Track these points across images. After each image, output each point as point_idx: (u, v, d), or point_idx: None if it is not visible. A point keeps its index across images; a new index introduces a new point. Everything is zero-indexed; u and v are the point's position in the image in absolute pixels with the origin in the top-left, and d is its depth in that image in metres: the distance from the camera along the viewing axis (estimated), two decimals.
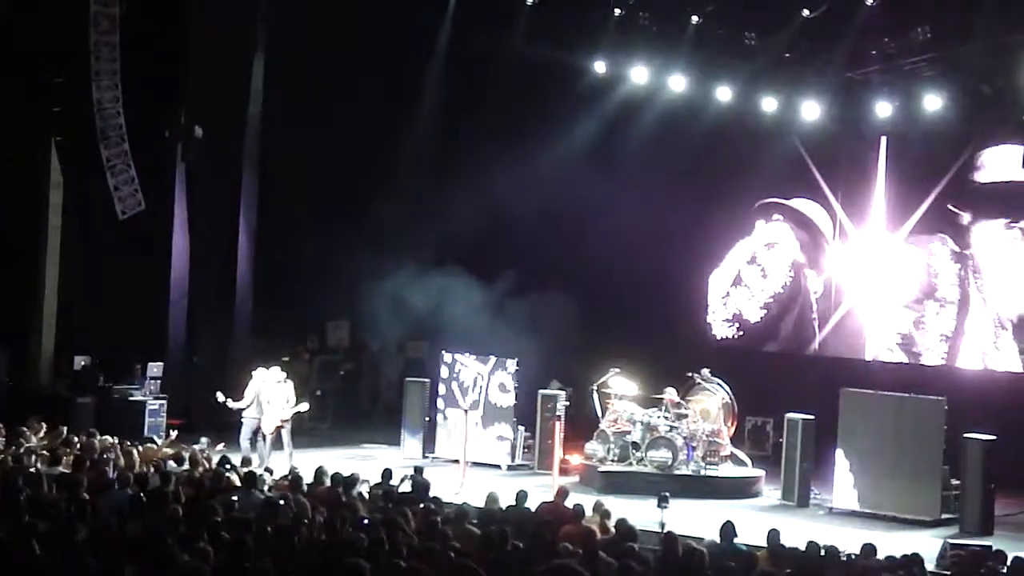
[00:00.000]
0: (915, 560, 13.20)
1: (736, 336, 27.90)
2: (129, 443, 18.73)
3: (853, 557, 13.64)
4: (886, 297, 26.02)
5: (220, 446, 20.22)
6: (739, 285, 27.90)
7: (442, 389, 24.17)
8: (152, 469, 16.19)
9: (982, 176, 24.84)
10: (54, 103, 25.91)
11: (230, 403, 21.59)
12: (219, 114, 26.58)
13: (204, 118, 26.19)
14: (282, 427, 21.46)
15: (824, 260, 26.83)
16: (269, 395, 21.52)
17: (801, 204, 27.07)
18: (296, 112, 26.65)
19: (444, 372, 24.24)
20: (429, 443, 24.04)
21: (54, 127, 26.10)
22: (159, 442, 20.92)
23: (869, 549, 13.71)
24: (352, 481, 15.88)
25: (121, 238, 26.19)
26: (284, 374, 21.93)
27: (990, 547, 15.29)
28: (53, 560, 9.47)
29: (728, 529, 13.68)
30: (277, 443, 21.47)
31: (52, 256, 26.41)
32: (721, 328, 28.07)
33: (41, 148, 26.10)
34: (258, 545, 10.84)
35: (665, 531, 14.58)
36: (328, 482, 15.86)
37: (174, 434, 22.28)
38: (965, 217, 25.09)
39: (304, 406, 22.10)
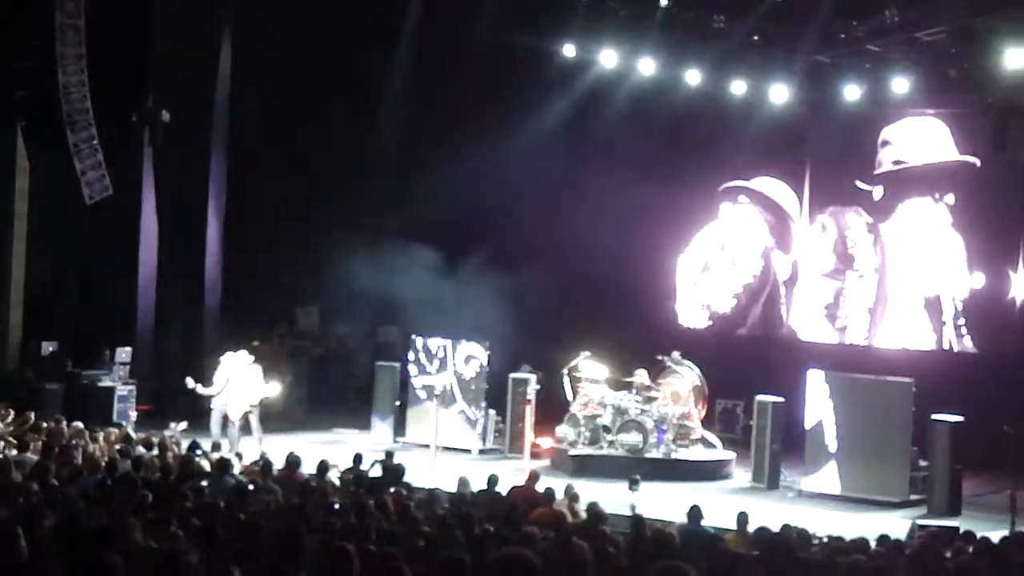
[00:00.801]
0: (882, 541, 13.26)
1: (706, 326, 27.96)
2: (97, 429, 18.64)
3: (824, 540, 13.71)
4: (808, 269, 26.48)
5: (183, 424, 20.12)
6: (708, 272, 27.96)
7: (415, 375, 24.17)
8: (118, 455, 16.11)
9: (906, 154, 25.15)
10: (19, 88, 25.72)
11: (200, 389, 21.52)
12: (187, 98, 26.45)
13: (172, 102, 26.06)
14: (250, 412, 21.39)
15: (791, 240, 26.96)
16: (237, 380, 21.45)
17: (765, 184, 27.19)
18: (265, 96, 26.54)
19: (412, 356, 24.29)
20: (399, 428, 24.05)
21: (20, 112, 25.91)
22: (126, 425, 20.85)
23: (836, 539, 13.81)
24: (323, 467, 15.88)
25: (89, 223, 26.07)
26: (252, 358, 21.86)
27: (958, 528, 15.38)
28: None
29: (695, 512, 13.74)
30: (246, 428, 21.42)
31: (19, 242, 26.23)
32: (690, 317, 28.13)
33: (7, 133, 25.90)
34: (228, 531, 10.81)
35: (633, 514, 14.62)
36: (299, 467, 15.88)
37: (133, 415, 22.25)
38: (876, 192, 25.46)
39: (277, 388, 22.06)
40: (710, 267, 27.91)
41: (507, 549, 9.36)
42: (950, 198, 24.78)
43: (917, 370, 21.62)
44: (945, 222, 24.81)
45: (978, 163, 24.19)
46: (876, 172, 25.55)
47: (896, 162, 25.38)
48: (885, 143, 25.41)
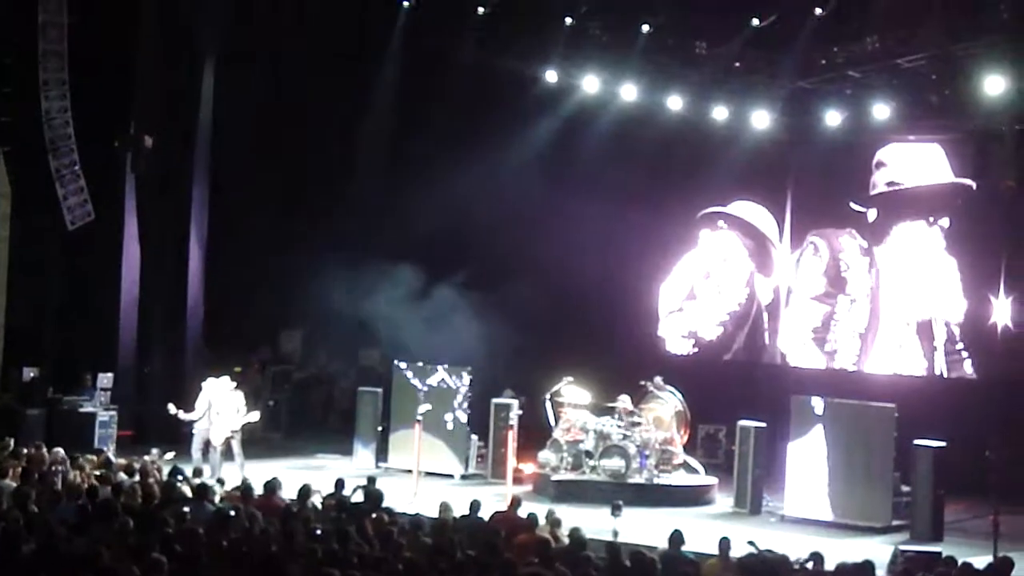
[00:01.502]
0: (866, 566, 13.26)
1: (692, 352, 27.94)
2: (78, 455, 18.54)
3: (804, 565, 13.70)
4: (796, 292, 26.55)
5: (170, 454, 20.06)
6: (693, 300, 27.94)
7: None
8: (99, 482, 16.03)
9: (901, 176, 25.24)
10: (1, 113, 25.69)
11: (182, 415, 21.46)
12: (169, 123, 26.46)
13: (154, 128, 26.04)
14: (232, 438, 21.32)
15: (772, 264, 27.01)
16: (219, 406, 21.40)
17: (743, 209, 27.25)
18: (248, 120, 26.54)
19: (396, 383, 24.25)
20: (382, 453, 23.99)
21: (2, 137, 25.87)
22: (107, 451, 20.73)
23: (817, 557, 13.80)
24: (305, 492, 15.83)
25: (71, 248, 26.03)
26: (234, 383, 21.82)
27: (940, 553, 15.38)
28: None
29: (676, 537, 13.72)
30: (228, 454, 21.36)
31: (0, 267, 26.16)
32: (677, 344, 28.11)
33: None
34: (210, 556, 10.78)
35: (608, 540, 14.59)
36: (278, 492, 15.83)
37: (114, 441, 22.21)
38: (871, 214, 25.55)
39: (255, 415, 21.99)
40: (696, 295, 27.90)
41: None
42: (944, 221, 24.81)
43: (904, 396, 21.65)
44: (939, 246, 24.85)
45: (974, 185, 24.24)
46: (871, 194, 25.60)
47: (891, 183, 25.43)
48: (880, 164, 25.47)
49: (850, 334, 25.93)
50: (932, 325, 24.86)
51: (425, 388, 23.22)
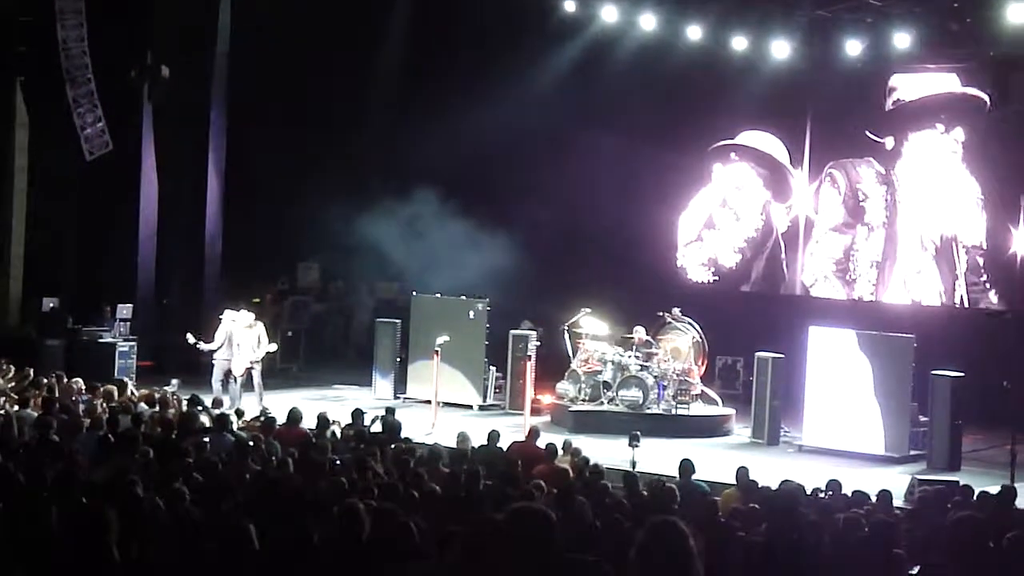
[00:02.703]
0: (883, 496, 13.33)
1: (711, 280, 27.89)
2: (98, 385, 18.66)
3: (822, 494, 13.76)
4: (817, 223, 26.49)
5: (174, 383, 20.12)
6: (712, 229, 27.86)
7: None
8: (119, 412, 16.12)
9: (911, 94, 25.09)
10: (19, 43, 25.64)
11: (201, 345, 21.57)
12: (186, 53, 26.37)
13: (171, 58, 25.97)
14: (252, 368, 21.44)
15: (789, 190, 26.87)
16: (239, 337, 21.48)
17: (753, 138, 27.07)
18: (264, 50, 26.44)
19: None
20: (400, 384, 24.06)
21: (19, 67, 25.83)
22: (127, 381, 20.85)
23: (835, 484, 13.86)
24: (324, 421, 15.93)
25: (89, 179, 26.05)
26: (254, 315, 21.89)
27: (957, 482, 15.43)
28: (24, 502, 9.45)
29: (687, 466, 13.79)
30: (248, 384, 21.47)
31: (19, 197, 26.22)
32: (697, 272, 28.05)
33: (6, 88, 25.85)
34: (231, 486, 10.86)
35: (625, 470, 14.67)
36: (301, 423, 15.93)
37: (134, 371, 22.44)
38: (888, 143, 25.41)
39: (274, 347, 22.10)
40: (715, 224, 27.79)
41: (521, 503, 9.35)
42: (958, 133, 24.63)
43: (922, 325, 21.63)
44: (955, 158, 24.67)
45: (972, 92, 24.07)
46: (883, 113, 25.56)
47: (896, 102, 25.35)
48: (891, 90, 25.37)
49: (868, 264, 25.88)
50: (952, 249, 24.74)
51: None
